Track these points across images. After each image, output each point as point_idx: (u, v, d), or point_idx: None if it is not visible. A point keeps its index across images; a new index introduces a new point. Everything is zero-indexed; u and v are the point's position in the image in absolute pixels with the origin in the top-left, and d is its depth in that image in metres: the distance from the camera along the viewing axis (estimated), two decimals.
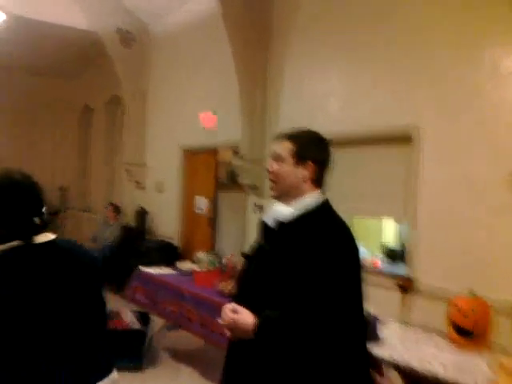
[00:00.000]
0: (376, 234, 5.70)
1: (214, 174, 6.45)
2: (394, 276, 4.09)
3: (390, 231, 5.69)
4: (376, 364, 2.52)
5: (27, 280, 1.45)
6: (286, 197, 1.75)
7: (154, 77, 7.60)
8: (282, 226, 1.72)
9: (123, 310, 4.34)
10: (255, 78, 5.41)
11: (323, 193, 1.79)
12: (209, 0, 5.82)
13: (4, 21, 6.06)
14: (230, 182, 6.31)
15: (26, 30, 7.15)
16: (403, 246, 4.96)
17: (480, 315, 2.78)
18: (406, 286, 3.18)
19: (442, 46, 3.80)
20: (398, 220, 5.00)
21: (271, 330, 1.57)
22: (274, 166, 1.75)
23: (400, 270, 4.30)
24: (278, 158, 1.75)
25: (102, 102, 9.12)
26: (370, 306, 3.36)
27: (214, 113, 6.20)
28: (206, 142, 6.39)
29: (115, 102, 8.81)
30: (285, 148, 1.75)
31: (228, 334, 1.63)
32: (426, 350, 2.71)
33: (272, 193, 1.79)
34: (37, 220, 1.57)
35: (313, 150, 1.76)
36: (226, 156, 6.31)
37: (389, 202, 4.30)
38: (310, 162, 1.73)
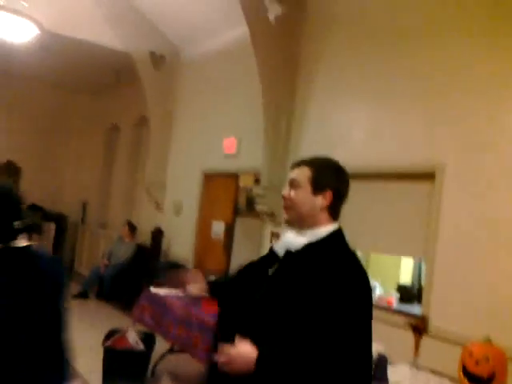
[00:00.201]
0: (392, 272, 5.56)
1: (233, 199, 6.42)
2: (407, 315, 3.96)
3: (407, 270, 5.55)
4: None
5: None
6: (300, 224, 1.68)
7: (181, 100, 7.69)
8: (289, 254, 1.66)
9: (128, 330, 4.27)
10: (281, 106, 5.42)
11: (338, 224, 1.71)
12: (240, 28, 5.90)
13: (38, 35, 6.22)
14: (248, 208, 6.26)
15: (59, 45, 7.33)
16: (420, 285, 4.83)
17: (495, 363, 2.63)
18: (419, 327, 3.06)
19: (471, 84, 3.75)
20: (416, 258, 4.87)
21: (273, 366, 1.49)
22: (291, 193, 1.68)
23: (415, 310, 4.17)
24: (295, 184, 1.68)
25: (130, 122, 9.25)
26: (381, 345, 3.25)
27: (239, 139, 6.21)
28: (227, 166, 6.39)
29: (142, 122, 8.93)
30: (303, 174, 1.67)
31: (226, 367, 1.52)
32: None
33: (284, 216, 1.72)
34: (17, 224, 1.59)
35: (332, 178, 1.69)
36: (246, 182, 6.28)
37: (408, 240, 4.19)
38: (328, 191, 1.66)
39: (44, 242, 9.97)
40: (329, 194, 1.66)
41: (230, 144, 6.38)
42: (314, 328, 1.49)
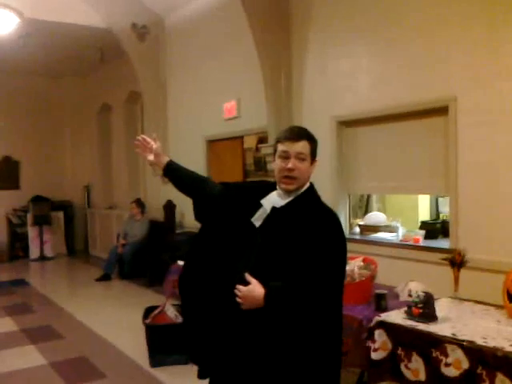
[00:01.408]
0: (410, 211, 5.61)
1: (241, 161, 6.40)
2: (437, 250, 4.01)
3: (424, 208, 5.59)
4: (438, 343, 2.46)
5: None
6: (296, 191, 1.96)
7: (173, 69, 7.54)
8: (275, 210, 1.95)
9: (165, 305, 4.32)
10: (278, 61, 5.32)
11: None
12: None
13: (17, 24, 6.03)
14: (256, 168, 6.25)
15: (40, 31, 7.13)
16: (441, 221, 4.88)
17: None
18: (454, 259, 3.09)
19: (477, 11, 3.67)
20: (438, 194, 4.90)
21: (278, 297, 1.82)
22: (298, 164, 1.91)
23: (442, 244, 4.22)
24: (302, 158, 1.93)
25: (122, 99, 9.11)
26: (420, 283, 3.31)
27: (238, 101, 6.13)
28: (231, 130, 6.34)
29: (134, 97, 8.79)
30: (306, 148, 1.94)
31: (242, 303, 1.85)
32: (486, 325, 2.63)
33: (290, 187, 1.94)
34: None
35: (316, 149, 2.01)
36: (251, 143, 6.25)
37: (428, 178, 4.20)
38: (315, 160, 2.00)
39: (55, 232, 10.01)
40: (315, 162, 2.00)
41: (229, 107, 6.30)
42: (310, 264, 1.82)
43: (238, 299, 1.85)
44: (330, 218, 1.95)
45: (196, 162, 6.99)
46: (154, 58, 7.57)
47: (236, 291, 1.86)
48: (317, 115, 5.07)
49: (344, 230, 2.03)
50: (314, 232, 1.87)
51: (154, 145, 2.23)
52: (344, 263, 1.96)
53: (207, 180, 2.25)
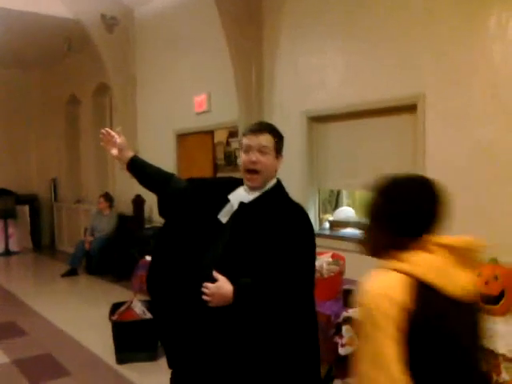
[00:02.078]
0: None
1: (211, 156, 6.35)
2: None
3: None
4: None
5: None
6: (262, 186, 1.94)
7: (142, 62, 7.42)
8: (243, 205, 1.92)
9: (133, 301, 4.26)
10: (249, 55, 5.29)
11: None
12: None
13: None
14: (227, 162, 6.21)
15: (3, 20, 6.91)
16: None
17: (504, 280, 2.74)
18: None
19: (445, 9, 3.71)
20: None
21: (247, 294, 1.79)
22: (261, 158, 1.89)
23: None
24: (265, 151, 1.90)
25: (89, 91, 8.92)
26: None
27: (208, 94, 6.07)
28: (200, 124, 6.28)
29: (103, 90, 8.62)
30: (269, 141, 1.91)
31: (209, 301, 1.80)
32: None
33: (254, 184, 1.92)
34: None
35: (282, 143, 1.99)
36: (221, 137, 6.21)
37: None
38: (281, 154, 1.97)
39: (20, 226, 9.76)
40: (281, 157, 1.98)
41: (200, 101, 6.24)
42: (278, 260, 1.80)
43: (206, 297, 1.81)
44: (298, 213, 1.93)
45: (166, 157, 6.91)
46: (123, 50, 7.43)
47: (203, 289, 1.82)
48: (288, 110, 5.06)
49: (313, 225, 2.03)
50: (282, 227, 1.85)
51: (118, 139, 2.20)
52: (313, 258, 1.96)
53: (172, 176, 2.22)
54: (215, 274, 1.82)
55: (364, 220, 1.40)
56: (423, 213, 1.32)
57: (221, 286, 1.79)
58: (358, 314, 1.22)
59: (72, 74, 9.34)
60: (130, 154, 2.22)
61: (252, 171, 1.91)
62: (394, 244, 1.32)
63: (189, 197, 2.07)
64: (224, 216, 1.96)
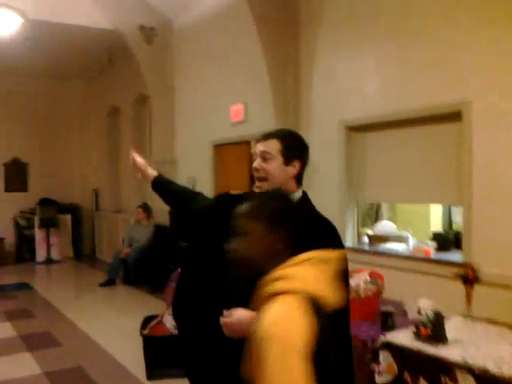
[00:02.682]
0: (422, 221, 5.39)
1: (248, 167, 6.23)
2: (449, 264, 3.80)
3: (436, 217, 5.37)
4: (447, 369, 2.26)
5: None
6: None
7: (180, 72, 7.41)
8: None
9: (164, 315, 4.17)
10: (286, 65, 5.17)
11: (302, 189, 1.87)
12: None
13: (22, 24, 5.93)
14: None
15: (45, 33, 7.05)
16: (454, 232, 4.66)
17: None
18: (469, 277, 2.90)
19: (489, 12, 3.47)
20: (451, 205, 4.68)
21: None
22: (263, 164, 1.78)
23: (455, 257, 4.01)
24: (267, 156, 1.78)
25: (129, 102, 9.00)
26: (431, 300, 3.11)
27: (245, 104, 5.98)
28: (237, 134, 6.18)
29: (142, 100, 8.67)
30: (273, 146, 1.79)
31: (230, 334, 1.62)
32: (500, 349, 2.43)
33: (259, 191, 1.80)
34: None
35: (299, 148, 1.84)
36: None
37: (440, 187, 3.99)
38: (296, 161, 1.80)
39: (62, 235, 9.92)
40: (297, 164, 1.80)
41: (236, 111, 6.14)
42: None
43: (224, 330, 1.62)
44: (325, 228, 1.78)
45: (203, 167, 6.86)
46: (162, 61, 7.45)
47: (221, 321, 1.63)
48: (325, 120, 4.89)
49: (347, 239, 1.89)
50: (310, 245, 1.68)
51: (138, 159, 2.15)
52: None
53: (198, 194, 2.09)
54: (226, 314, 1.63)
55: (241, 238, 1.38)
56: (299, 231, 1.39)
57: (240, 318, 1.60)
58: (262, 343, 1.16)
59: (112, 85, 9.47)
60: (153, 173, 2.14)
61: (258, 179, 1.80)
62: (275, 262, 1.31)
63: (215, 215, 1.94)
64: None
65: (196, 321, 1.88)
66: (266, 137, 1.83)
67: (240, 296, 1.67)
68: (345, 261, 1.45)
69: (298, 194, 1.83)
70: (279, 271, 1.28)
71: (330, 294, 1.27)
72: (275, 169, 1.78)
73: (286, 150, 1.80)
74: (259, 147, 1.81)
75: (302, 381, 1.12)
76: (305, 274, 1.27)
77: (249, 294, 1.61)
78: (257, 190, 1.82)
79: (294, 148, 1.83)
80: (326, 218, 1.82)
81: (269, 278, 1.29)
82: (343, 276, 1.49)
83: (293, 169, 1.80)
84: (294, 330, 1.15)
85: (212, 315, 1.77)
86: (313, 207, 1.85)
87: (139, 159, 2.14)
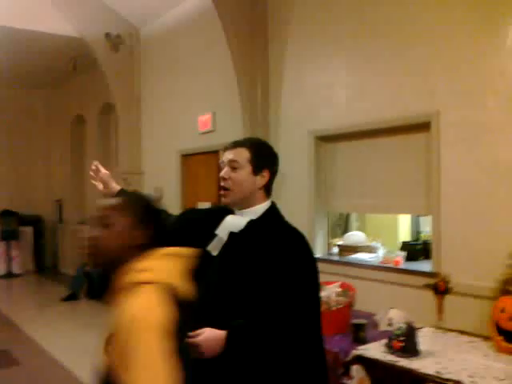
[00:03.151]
0: (390, 231, 5.39)
1: (217, 176, 6.14)
2: (419, 274, 3.79)
3: (404, 227, 5.38)
4: (421, 381, 2.21)
5: None
6: (240, 205, 1.75)
7: (147, 81, 7.29)
8: (233, 235, 1.73)
9: None
10: (255, 74, 5.13)
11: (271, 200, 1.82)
12: None
13: None
14: None
15: (8, 39, 6.84)
16: (423, 242, 4.67)
17: None
18: (438, 286, 2.87)
19: (458, 23, 3.50)
20: (420, 214, 4.69)
21: (242, 337, 1.58)
22: (231, 174, 1.72)
23: (424, 267, 4.00)
24: (235, 166, 1.73)
25: (95, 111, 8.81)
26: (401, 311, 3.07)
27: (213, 114, 5.90)
28: (205, 143, 6.10)
29: (108, 109, 8.50)
30: (242, 155, 1.74)
31: (198, 353, 1.57)
32: (473, 361, 2.40)
33: (224, 200, 1.76)
34: None
35: (268, 159, 1.80)
36: None
37: (409, 197, 3.99)
38: (265, 170, 1.76)
39: (23, 248, 9.59)
40: (266, 174, 1.76)
41: (204, 120, 6.06)
42: (275, 296, 1.59)
43: (192, 352, 1.56)
44: (295, 239, 1.71)
45: (170, 177, 6.74)
46: (128, 69, 7.31)
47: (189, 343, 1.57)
48: (294, 130, 4.86)
49: (318, 250, 1.82)
50: (278, 256, 1.64)
51: (102, 171, 2.10)
52: (315, 288, 1.72)
53: (160, 212, 2.01)
54: (194, 334, 1.58)
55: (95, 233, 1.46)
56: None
57: (208, 337, 1.56)
58: (127, 326, 1.29)
59: (77, 93, 9.26)
60: (116, 187, 2.09)
61: (223, 188, 1.75)
62: (129, 255, 1.42)
63: (177, 232, 1.86)
64: (214, 248, 1.75)
65: None
66: (235, 145, 1.77)
67: (220, 305, 1.66)
68: (196, 259, 1.52)
69: (265, 205, 1.78)
70: (141, 263, 1.40)
71: (183, 285, 1.42)
72: (243, 178, 1.72)
73: (256, 158, 1.74)
74: (227, 155, 1.75)
75: (160, 354, 1.26)
76: (163, 267, 1.41)
77: None
78: (222, 199, 1.76)
79: (264, 157, 1.78)
80: (294, 228, 1.75)
81: (130, 269, 1.40)
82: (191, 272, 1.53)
83: (261, 178, 1.75)
84: (153, 314, 1.30)
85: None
86: (280, 218, 1.79)
87: (103, 170, 2.07)
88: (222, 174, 1.74)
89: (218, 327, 1.58)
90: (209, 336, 1.56)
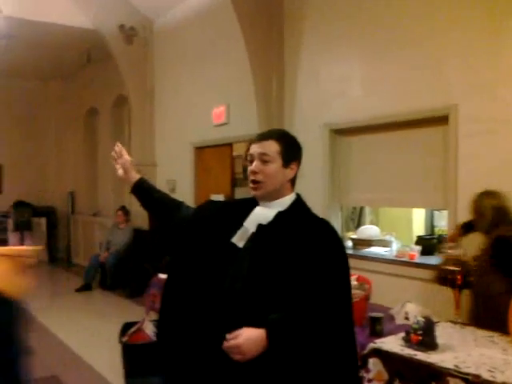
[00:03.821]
0: (405, 225, 5.37)
1: (230, 169, 6.14)
2: (435, 268, 3.76)
3: (419, 221, 5.36)
4: (439, 376, 2.20)
5: None
6: (270, 197, 1.73)
7: (161, 73, 7.28)
8: (262, 227, 1.70)
9: (144, 322, 4.04)
10: (270, 66, 5.11)
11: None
12: None
13: None
14: (246, 177, 5.99)
15: (23, 32, 6.85)
16: (438, 236, 4.65)
17: None
18: (456, 281, 2.86)
19: (474, 16, 3.46)
20: (436, 208, 4.66)
21: (284, 334, 1.53)
22: (262, 167, 1.70)
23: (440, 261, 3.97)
24: (265, 159, 1.70)
25: (108, 103, 8.83)
26: (419, 305, 3.06)
27: (227, 106, 5.89)
28: (219, 136, 6.09)
29: (122, 102, 8.52)
30: (272, 148, 1.71)
31: (239, 357, 1.50)
32: (491, 355, 2.38)
33: (255, 192, 1.73)
34: None
35: (296, 151, 1.78)
36: (240, 150, 6.00)
37: (424, 190, 3.96)
38: (294, 163, 1.75)
39: (37, 239, 9.66)
40: (294, 166, 1.75)
41: (218, 113, 6.06)
42: (311, 288, 1.56)
43: (236, 355, 1.50)
44: (327, 230, 1.70)
45: (183, 169, 6.75)
46: (142, 61, 7.32)
47: (228, 347, 1.50)
48: (308, 122, 4.84)
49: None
50: (311, 248, 1.61)
51: (125, 155, 2.02)
52: (349, 278, 1.69)
53: (180, 203, 1.98)
54: (229, 336, 1.52)
55: None
56: None
57: (248, 337, 1.49)
58: None
59: (91, 85, 9.28)
60: (136, 175, 2.01)
61: (253, 181, 1.71)
62: None
63: (196, 224, 1.84)
64: (239, 240, 1.71)
65: (183, 333, 1.73)
66: (263, 138, 1.74)
67: (253, 299, 1.60)
68: (35, 258, 1.53)
69: (292, 197, 1.77)
70: None
71: (12, 287, 1.44)
72: (275, 171, 1.70)
73: (285, 151, 1.71)
74: (256, 149, 1.72)
75: None
76: None
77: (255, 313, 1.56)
78: (252, 193, 1.73)
79: (292, 150, 1.76)
80: (323, 219, 1.75)
81: None
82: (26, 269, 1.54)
83: (291, 171, 1.74)
84: None
85: (202, 327, 1.67)
86: (308, 209, 1.78)
87: (126, 156, 2.01)
88: (253, 167, 1.70)
89: (250, 322, 1.53)
90: (249, 336, 1.50)
